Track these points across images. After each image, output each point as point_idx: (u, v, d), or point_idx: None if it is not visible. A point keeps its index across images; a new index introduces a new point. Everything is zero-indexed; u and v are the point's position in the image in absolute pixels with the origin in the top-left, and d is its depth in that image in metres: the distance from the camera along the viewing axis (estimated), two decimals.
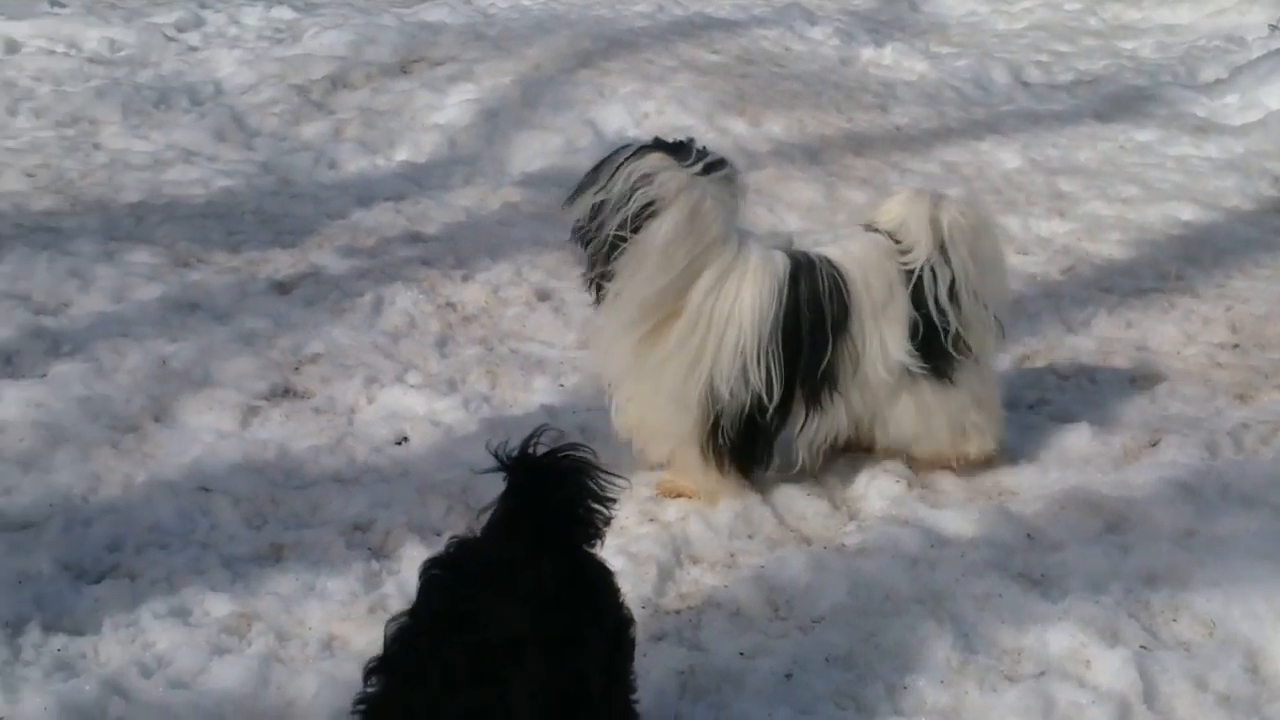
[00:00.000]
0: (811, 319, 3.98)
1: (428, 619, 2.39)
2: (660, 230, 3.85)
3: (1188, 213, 6.97)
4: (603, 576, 2.71)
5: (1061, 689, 3.23)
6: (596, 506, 2.63)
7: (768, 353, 3.93)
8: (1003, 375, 4.79)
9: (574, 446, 2.62)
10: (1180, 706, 3.20)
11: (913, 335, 4.04)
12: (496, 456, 2.56)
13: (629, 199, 3.85)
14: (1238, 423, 4.57)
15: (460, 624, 2.33)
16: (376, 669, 2.34)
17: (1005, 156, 7.98)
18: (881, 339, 4.03)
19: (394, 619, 2.42)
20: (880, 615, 3.55)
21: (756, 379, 3.94)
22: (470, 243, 6.37)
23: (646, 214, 3.86)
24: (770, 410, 3.99)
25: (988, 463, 4.29)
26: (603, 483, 2.64)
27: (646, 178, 3.87)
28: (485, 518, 2.59)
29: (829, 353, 4.00)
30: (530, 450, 2.57)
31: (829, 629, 3.51)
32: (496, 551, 2.50)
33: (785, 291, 3.96)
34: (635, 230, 3.86)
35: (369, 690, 2.32)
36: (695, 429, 4.01)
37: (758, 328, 3.92)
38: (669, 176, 3.88)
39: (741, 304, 3.93)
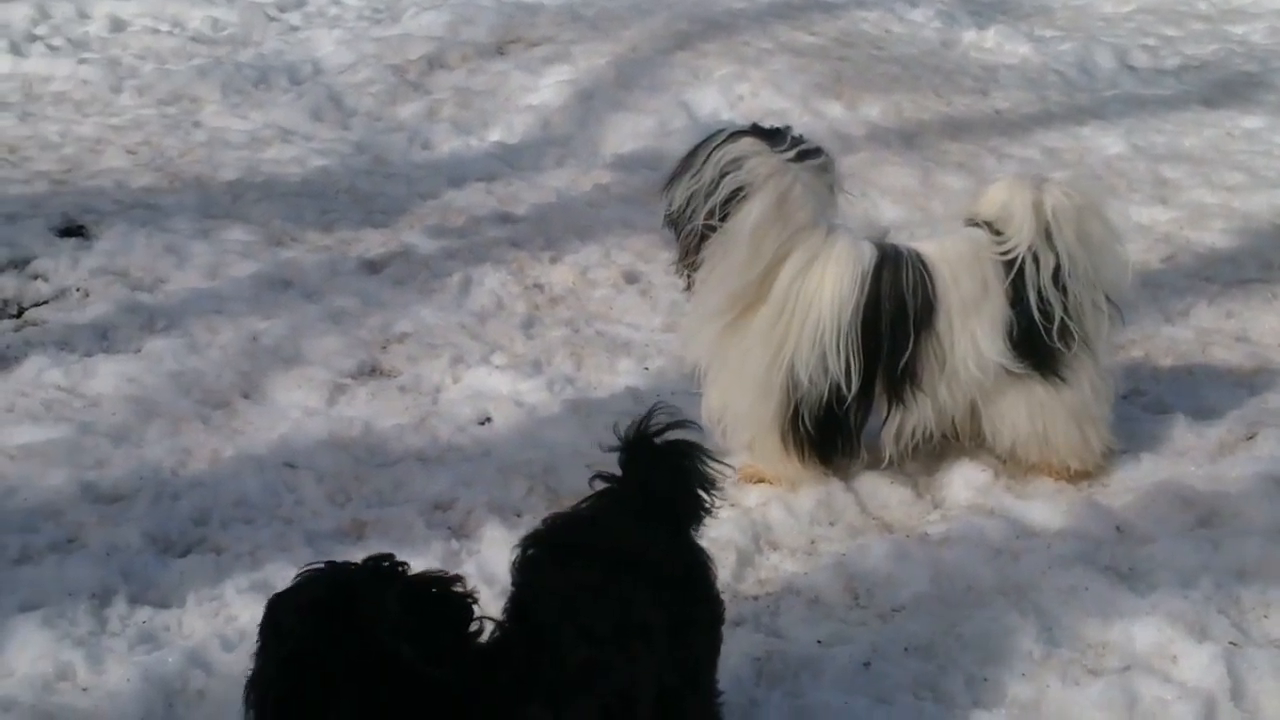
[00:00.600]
0: (893, 312, 3.91)
1: (562, 588, 2.39)
2: (748, 216, 3.82)
3: None
4: (706, 561, 2.71)
5: (1146, 684, 3.16)
6: (706, 492, 2.65)
7: (847, 341, 3.88)
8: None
9: (684, 424, 2.65)
10: (1269, 704, 3.11)
11: (1010, 334, 3.92)
12: (620, 437, 2.59)
13: (718, 185, 3.84)
14: None
15: (595, 598, 2.35)
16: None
17: (1108, 142, 7.82)
18: (973, 337, 3.92)
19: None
20: (962, 606, 3.50)
21: (835, 368, 3.89)
22: (560, 224, 6.39)
23: (735, 200, 3.84)
24: (849, 401, 3.94)
25: (1087, 475, 4.17)
26: (713, 469, 2.66)
27: (736, 163, 3.85)
28: (593, 494, 2.61)
29: (911, 348, 3.91)
30: (648, 431, 2.59)
31: (909, 619, 3.47)
32: (619, 531, 2.51)
33: (868, 282, 3.89)
34: (724, 217, 3.84)
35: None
36: (775, 416, 3.98)
37: (836, 315, 3.87)
38: (759, 162, 3.85)
39: (823, 291, 3.89)
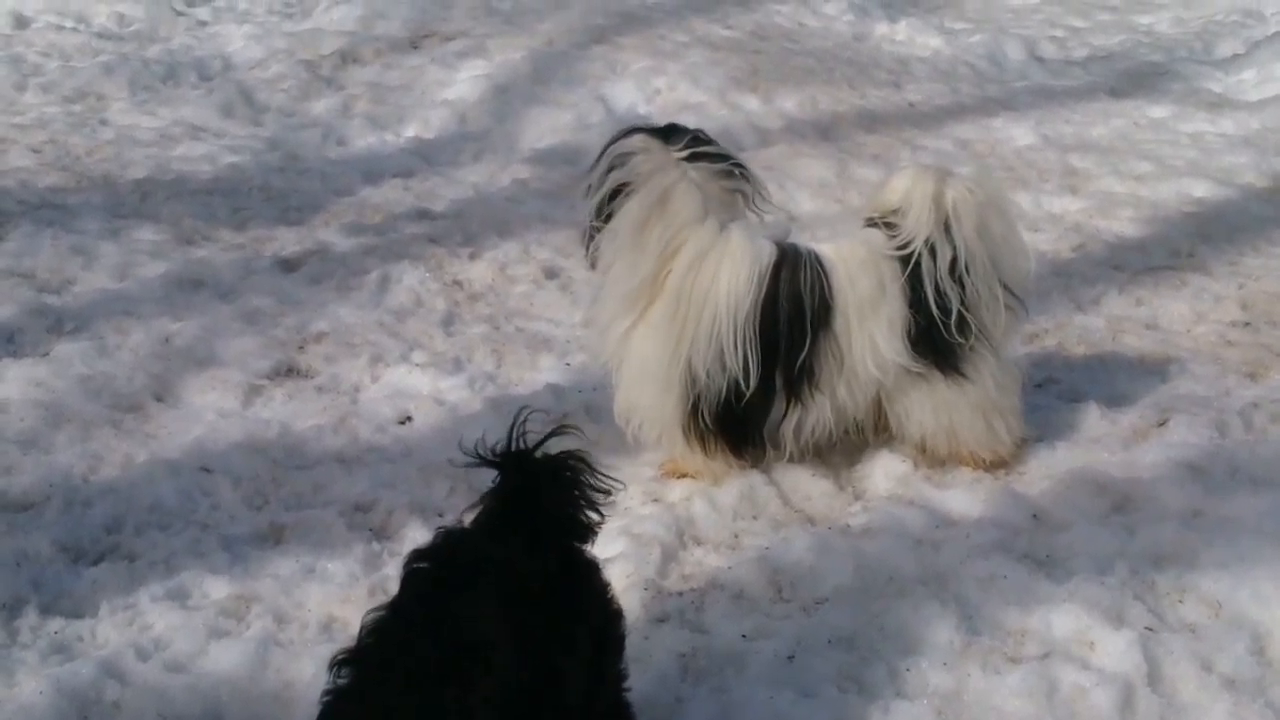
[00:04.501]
0: (790, 311, 3.91)
1: (405, 613, 2.34)
2: (630, 211, 3.83)
3: (1201, 189, 6.90)
4: (591, 573, 2.64)
5: (1065, 671, 3.19)
6: (589, 508, 2.56)
7: (744, 338, 3.87)
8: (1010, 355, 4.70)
9: (564, 430, 2.57)
10: (1185, 689, 3.16)
11: (908, 333, 3.94)
12: (480, 454, 2.48)
13: (604, 181, 3.84)
14: (1248, 402, 4.52)
15: (436, 621, 2.28)
16: (346, 661, 2.29)
17: (1018, 133, 7.92)
18: (871, 338, 3.93)
19: (372, 611, 2.38)
20: (884, 597, 3.52)
21: (733, 364, 3.89)
22: (478, 220, 6.35)
23: (619, 197, 3.84)
24: (746, 398, 3.94)
25: (1002, 464, 4.21)
26: (597, 482, 2.56)
27: (621, 159, 3.85)
28: (476, 509, 2.52)
29: (808, 347, 3.92)
30: (519, 444, 2.49)
31: (832, 611, 3.48)
32: (484, 548, 2.44)
33: (766, 280, 3.89)
34: (609, 215, 3.86)
35: (337, 682, 2.27)
36: (676, 411, 3.97)
37: (733, 312, 3.86)
38: (644, 159, 3.85)
39: (718, 286, 3.88)
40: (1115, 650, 3.24)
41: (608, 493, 2.58)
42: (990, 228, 3.99)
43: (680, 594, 3.58)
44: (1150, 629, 3.33)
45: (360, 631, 2.35)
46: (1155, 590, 3.51)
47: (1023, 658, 3.28)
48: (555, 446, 2.55)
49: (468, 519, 2.52)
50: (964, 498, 3.99)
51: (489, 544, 2.44)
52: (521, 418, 2.52)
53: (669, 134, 3.95)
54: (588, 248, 4.02)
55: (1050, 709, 3.10)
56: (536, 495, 2.48)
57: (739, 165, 4.04)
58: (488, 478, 4.01)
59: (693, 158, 3.90)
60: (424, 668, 2.20)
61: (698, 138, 3.96)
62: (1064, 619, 3.37)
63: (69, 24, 9.26)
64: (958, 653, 3.29)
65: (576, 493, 2.54)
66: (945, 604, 3.45)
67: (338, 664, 2.28)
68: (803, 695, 3.15)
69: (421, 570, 2.42)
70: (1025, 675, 3.18)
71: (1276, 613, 3.37)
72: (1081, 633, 3.32)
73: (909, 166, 4.16)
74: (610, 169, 3.86)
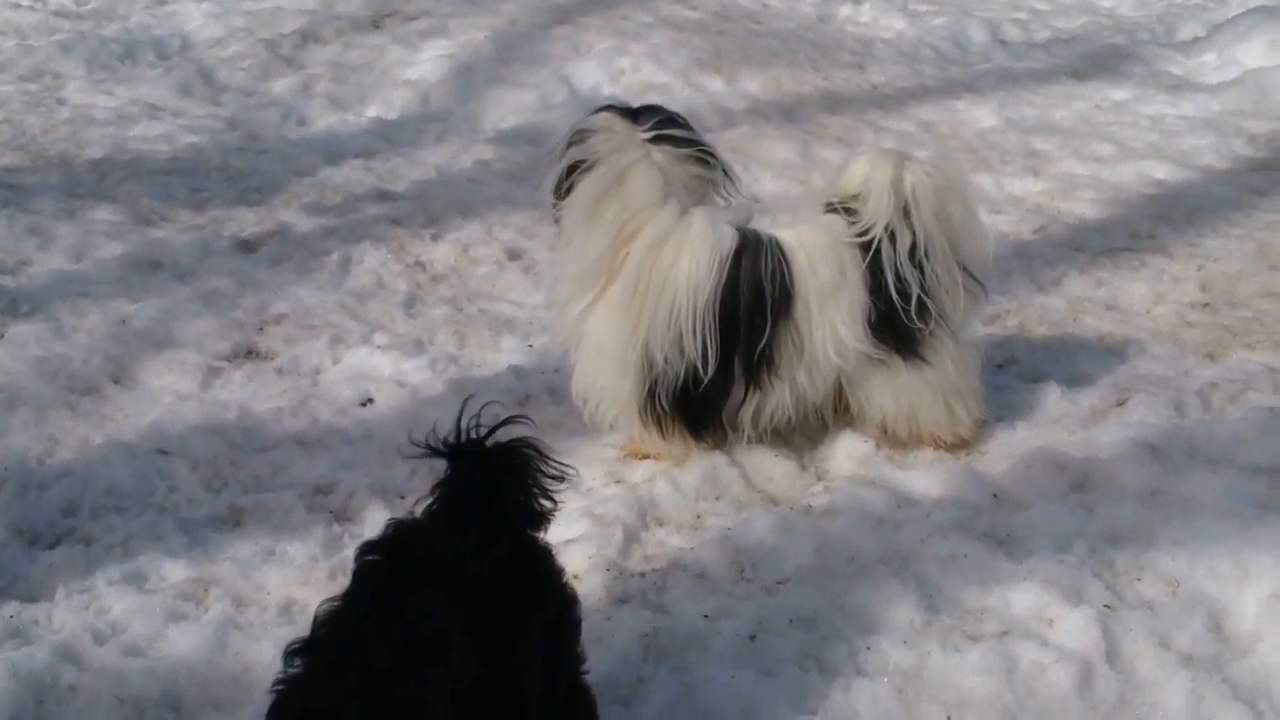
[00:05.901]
0: (751, 297, 3.89)
1: (359, 606, 2.30)
2: (585, 188, 3.81)
3: (1161, 171, 6.95)
4: (544, 561, 2.61)
5: (1024, 649, 3.20)
6: (542, 497, 2.53)
7: (703, 323, 3.85)
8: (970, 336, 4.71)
9: (516, 420, 2.54)
10: (1143, 666, 3.18)
11: (869, 319, 3.94)
12: (430, 444, 2.43)
13: (563, 158, 3.83)
14: (1206, 382, 4.55)
15: (391, 616, 2.24)
16: (300, 651, 2.27)
17: (981, 115, 7.95)
18: (832, 325, 3.93)
19: (326, 601, 2.35)
20: (845, 576, 3.52)
21: (692, 349, 3.88)
22: (441, 201, 6.31)
23: (577, 174, 3.83)
24: (705, 383, 3.93)
25: (963, 445, 4.22)
26: (549, 469, 2.54)
27: (581, 136, 3.83)
28: (428, 499, 2.47)
29: (767, 334, 3.91)
30: (470, 435, 2.46)
31: (794, 590, 3.48)
32: (437, 540, 2.39)
33: (727, 266, 3.87)
34: (568, 190, 3.84)
35: (290, 671, 2.23)
36: (633, 394, 3.96)
37: (692, 297, 3.85)
38: (604, 137, 3.83)
39: (678, 271, 3.86)
40: (1074, 628, 3.26)
41: (561, 479, 2.56)
42: (949, 212, 3.99)
43: (642, 575, 3.57)
44: (1109, 606, 3.35)
45: (314, 622, 2.32)
46: (1114, 568, 3.53)
47: (982, 635, 3.29)
48: (507, 434, 2.51)
49: (419, 510, 2.48)
50: (925, 478, 4.00)
51: (441, 535, 2.39)
52: (470, 406, 2.47)
53: (639, 114, 3.93)
54: (556, 225, 4.00)
55: (1009, 686, 3.11)
56: (488, 484, 2.44)
57: (708, 150, 4.02)
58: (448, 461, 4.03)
59: (658, 139, 3.88)
60: (379, 664, 2.17)
61: (671, 120, 3.93)
62: (1023, 597, 3.38)
63: (25, 2, 9.14)
64: (918, 631, 3.30)
65: (528, 480, 2.51)
66: (906, 583, 3.45)
67: (291, 654, 2.26)
68: (764, 675, 3.15)
69: (373, 563, 2.38)
70: (985, 653, 3.19)
71: (1233, 590, 3.40)
72: (1040, 610, 3.34)
73: (868, 151, 4.15)
74: (570, 145, 3.85)
